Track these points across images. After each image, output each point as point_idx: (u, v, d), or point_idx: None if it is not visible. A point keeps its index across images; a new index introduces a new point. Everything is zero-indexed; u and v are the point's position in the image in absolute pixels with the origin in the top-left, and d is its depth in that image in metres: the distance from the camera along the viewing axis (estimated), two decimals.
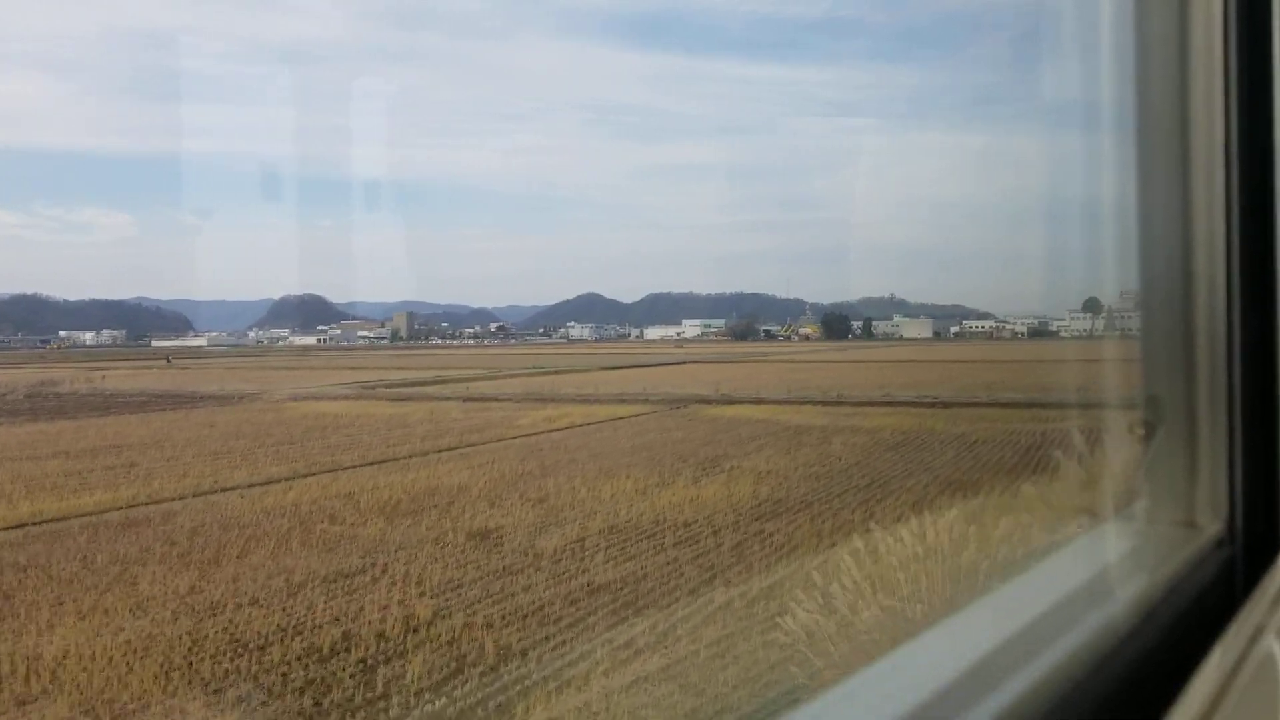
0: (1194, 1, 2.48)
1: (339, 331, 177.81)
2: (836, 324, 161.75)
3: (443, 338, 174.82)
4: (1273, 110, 2.58)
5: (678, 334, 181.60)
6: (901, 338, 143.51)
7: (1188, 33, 2.49)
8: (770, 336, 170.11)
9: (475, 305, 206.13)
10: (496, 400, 53.38)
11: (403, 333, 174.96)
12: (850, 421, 40.92)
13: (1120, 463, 2.77)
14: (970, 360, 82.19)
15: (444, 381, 66.79)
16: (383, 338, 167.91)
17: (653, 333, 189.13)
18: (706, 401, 50.83)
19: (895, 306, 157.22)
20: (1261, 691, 1.97)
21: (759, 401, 50.32)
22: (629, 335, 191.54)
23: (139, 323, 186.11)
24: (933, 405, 46.75)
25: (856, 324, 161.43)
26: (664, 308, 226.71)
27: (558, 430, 40.27)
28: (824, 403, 49.28)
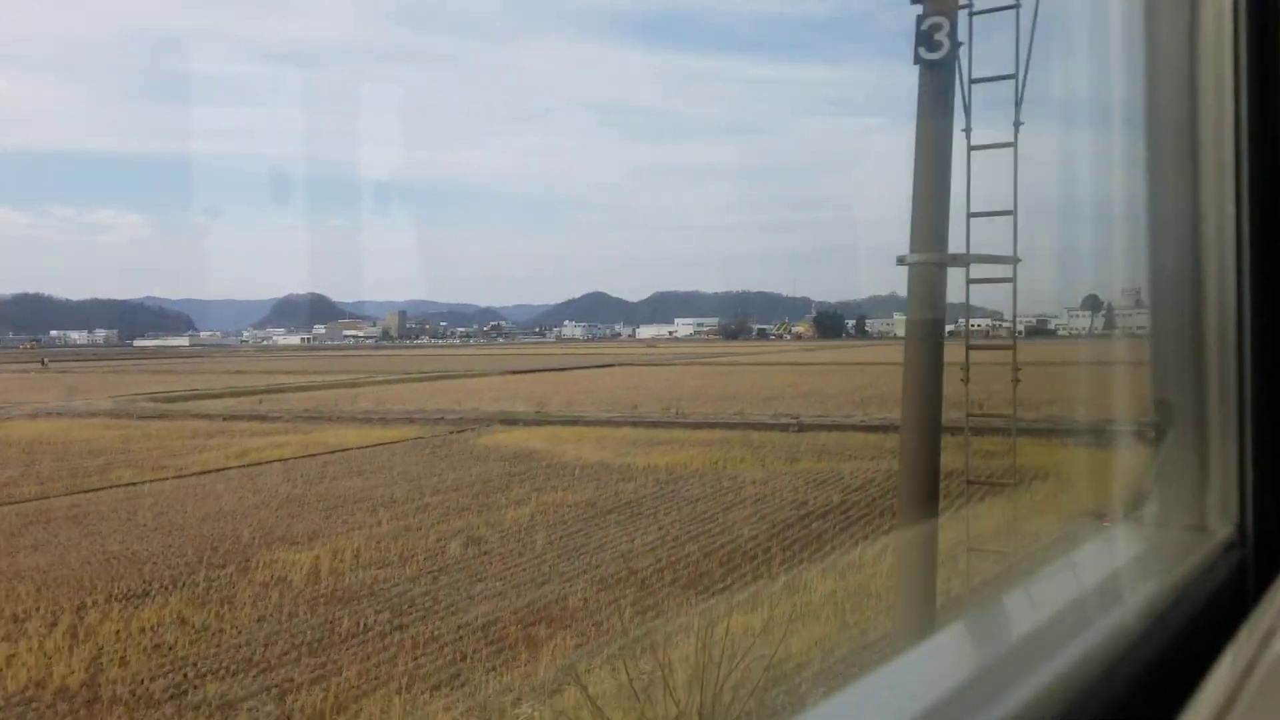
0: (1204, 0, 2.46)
1: (324, 330, 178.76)
2: (829, 323, 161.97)
3: (433, 337, 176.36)
4: None
5: (670, 332, 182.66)
6: (896, 336, 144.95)
7: (1197, 30, 2.44)
8: (763, 335, 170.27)
9: (483, 304, 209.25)
10: (264, 419, 49.30)
11: (393, 332, 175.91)
12: (633, 458, 35.87)
13: (1128, 465, 2.74)
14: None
15: (280, 390, 63.75)
16: (371, 337, 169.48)
17: (645, 331, 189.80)
18: (512, 422, 46.99)
19: (903, 305, 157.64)
20: (1273, 695, 1.92)
21: (575, 422, 46.29)
22: (621, 334, 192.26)
23: (141, 322, 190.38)
24: (785, 428, 42.73)
25: (850, 322, 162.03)
26: (669, 306, 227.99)
27: (210, 472, 34.51)
28: (652, 424, 45.43)
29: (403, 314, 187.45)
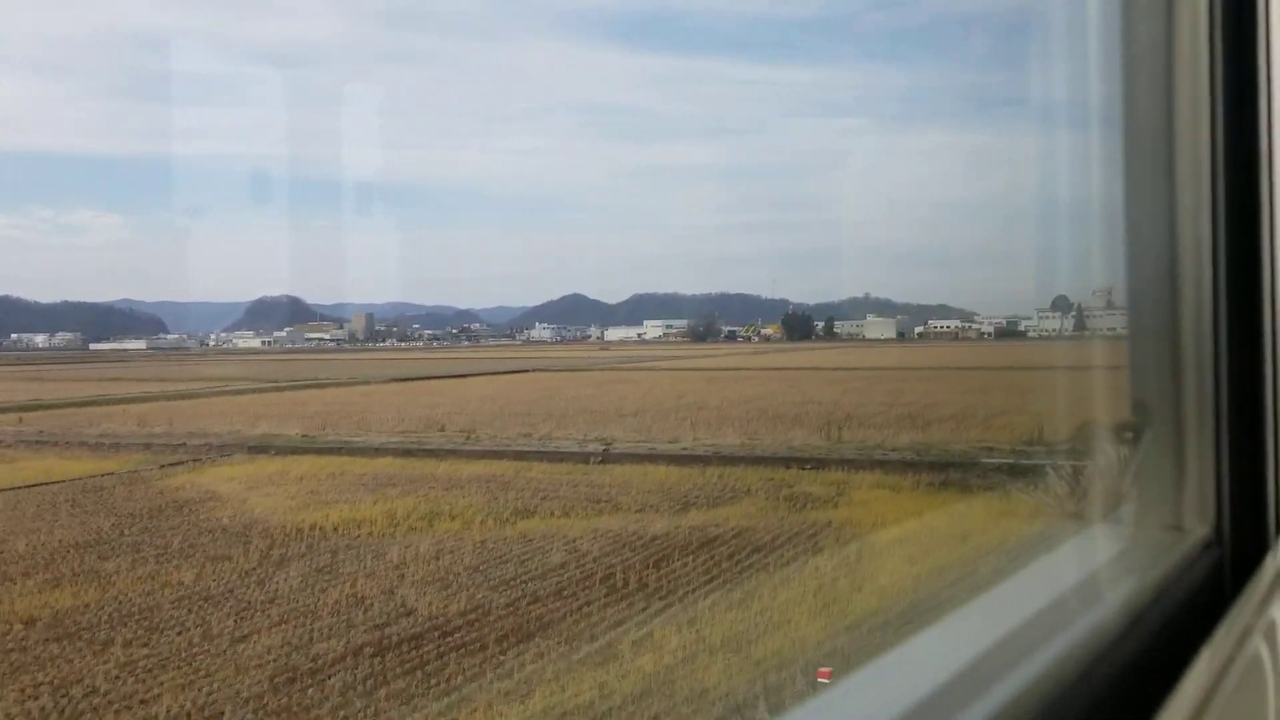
0: (1180, 5, 2.46)
1: (284, 334, 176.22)
2: (797, 324, 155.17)
3: (399, 339, 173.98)
4: (1258, 114, 2.52)
5: (639, 334, 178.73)
6: (864, 338, 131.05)
7: (1174, 36, 2.44)
8: (731, 337, 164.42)
9: (462, 306, 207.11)
10: None
11: (360, 334, 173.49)
12: (313, 511, 28.01)
13: (1107, 467, 2.68)
14: (868, 369, 70.82)
15: (92, 404, 54.27)
16: (337, 339, 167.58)
17: (614, 333, 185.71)
18: (264, 449, 39.70)
19: (882, 306, 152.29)
20: (1250, 692, 1.93)
21: (339, 450, 38.67)
22: (590, 337, 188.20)
23: (113, 324, 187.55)
24: (587, 459, 35.73)
25: (820, 324, 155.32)
26: (648, 308, 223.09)
27: None
28: (428, 452, 37.71)
29: (370, 316, 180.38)
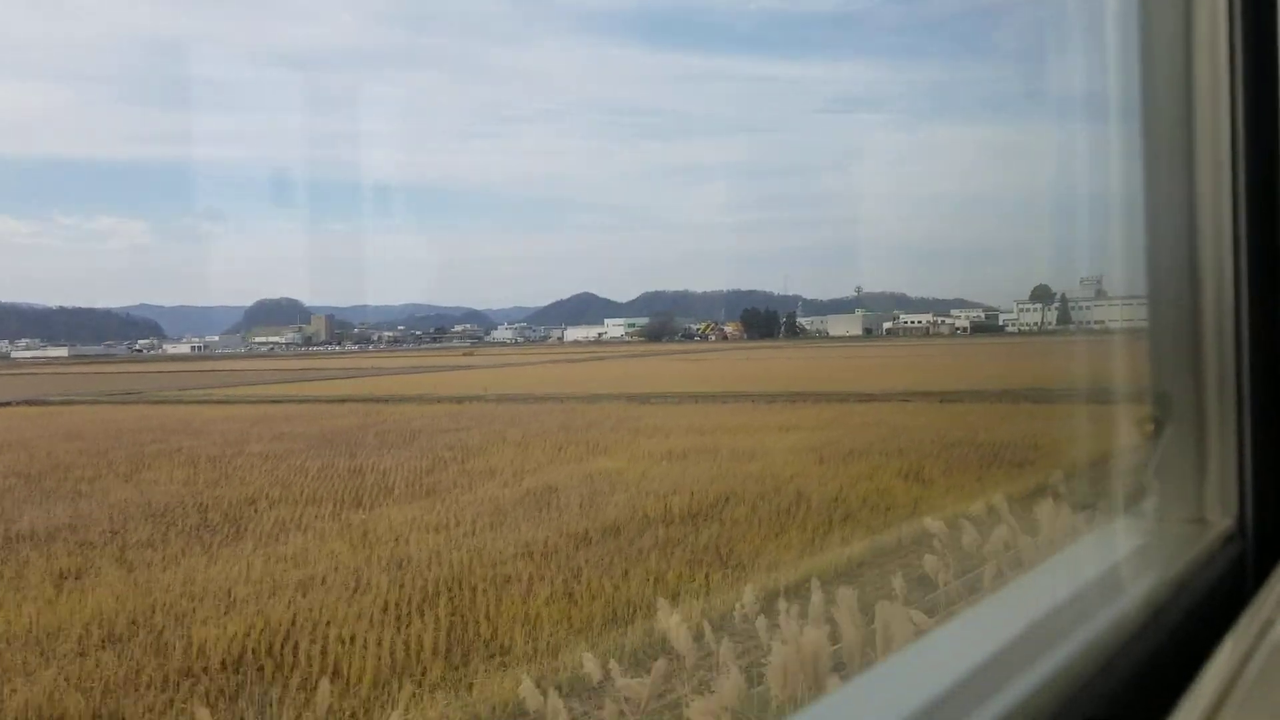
0: None
1: (217, 339, 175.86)
2: (759, 322, 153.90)
3: (356, 342, 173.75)
4: (1278, 103, 2.55)
5: (599, 334, 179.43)
6: (829, 335, 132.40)
7: (1192, 25, 2.46)
8: (688, 337, 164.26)
9: (480, 307, 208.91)
10: None
11: (320, 336, 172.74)
12: None
13: (1129, 460, 2.72)
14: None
15: None
16: (287, 343, 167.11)
17: (573, 333, 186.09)
18: None
19: (897, 303, 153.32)
20: (1271, 684, 1.96)
21: None
22: (549, 337, 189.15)
23: (105, 330, 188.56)
24: None
25: (783, 320, 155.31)
26: (657, 306, 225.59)
27: None
28: None
29: (329, 319, 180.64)
